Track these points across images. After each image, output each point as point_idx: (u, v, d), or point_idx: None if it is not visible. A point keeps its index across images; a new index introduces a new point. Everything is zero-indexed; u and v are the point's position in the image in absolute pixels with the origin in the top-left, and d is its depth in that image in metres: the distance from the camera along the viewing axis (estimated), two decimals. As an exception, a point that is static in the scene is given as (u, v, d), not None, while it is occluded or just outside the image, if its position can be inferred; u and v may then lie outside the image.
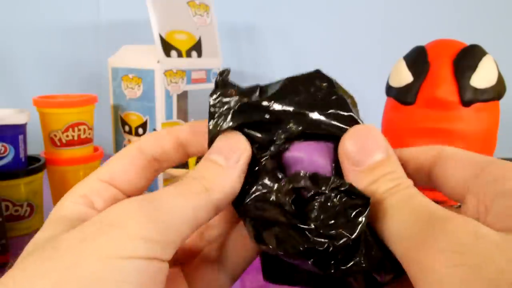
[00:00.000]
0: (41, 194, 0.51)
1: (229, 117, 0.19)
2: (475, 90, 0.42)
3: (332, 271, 0.16)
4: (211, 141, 0.19)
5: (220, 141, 0.18)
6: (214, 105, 0.19)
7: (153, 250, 0.15)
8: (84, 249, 0.14)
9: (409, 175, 0.18)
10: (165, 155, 0.20)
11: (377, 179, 0.17)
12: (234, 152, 0.18)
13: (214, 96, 0.19)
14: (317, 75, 0.20)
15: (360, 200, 0.16)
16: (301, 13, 0.84)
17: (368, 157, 0.17)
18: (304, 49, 0.85)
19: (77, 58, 0.83)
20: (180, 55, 0.58)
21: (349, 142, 0.17)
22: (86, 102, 0.54)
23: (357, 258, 0.16)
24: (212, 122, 0.19)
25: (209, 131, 0.19)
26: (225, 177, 0.18)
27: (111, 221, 0.15)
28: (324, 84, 0.19)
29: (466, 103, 0.42)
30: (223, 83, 0.20)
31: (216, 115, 0.19)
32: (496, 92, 0.43)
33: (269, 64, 0.86)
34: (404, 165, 0.18)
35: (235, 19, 0.83)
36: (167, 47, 0.57)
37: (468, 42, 0.45)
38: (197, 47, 0.61)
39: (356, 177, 0.17)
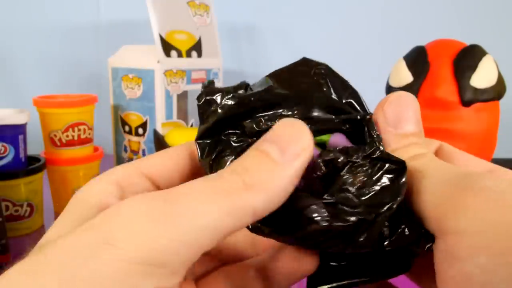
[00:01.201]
0: (41, 194, 0.51)
1: (219, 110, 0.17)
2: (475, 90, 0.42)
3: (386, 242, 0.15)
4: (204, 148, 0.17)
5: (279, 127, 0.15)
6: (201, 107, 0.18)
7: (153, 278, 0.12)
8: (71, 270, 0.12)
9: None
10: None
11: (409, 145, 0.17)
12: (294, 143, 0.14)
13: (201, 99, 0.18)
14: (305, 63, 0.19)
15: (394, 164, 0.15)
16: (301, 13, 0.84)
17: (405, 125, 0.17)
18: (304, 49, 0.85)
19: (77, 58, 0.83)
20: (180, 55, 0.58)
21: (390, 107, 0.17)
22: (86, 102, 0.54)
23: (402, 227, 0.15)
24: (201, 126, 0.18)
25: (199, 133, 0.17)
26: (277, 175, 0.13)
27: (107, 236, 0.12)
28: (322, 71, 0.19)
29: (466, 103, 0.42)
30: (208, 88, 0.18)
31: (205, 115, 0.18)
32: (496, 92, 0.43)
33: (269, 64, 0.85)
34: None
35: (235, 19, 0.83)
36: (167, 47, 0.57)
37: (468, 42, 0.45)
38: (197, 47, 0.61)
39: (390, 138, 0.17)
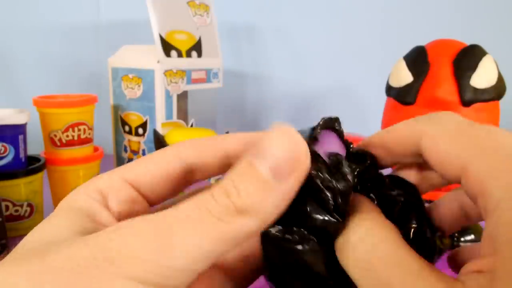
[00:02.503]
0: (41, 194, 0.51)
1: None
2: (475, 90, 0.42)
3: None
4: None
5: (269, 138, 0.13)
6: None
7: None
8: (74, 283, 0.12)
9: (395, 153, 0.18)
10: (204, 167, 0.18)
11: None
12: (288, 159, 0.13)
13: None
14: None
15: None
16: (301, 13, 0.84)
17: None
18: (304, 49, 0.85)
19: (77, 58, 0.83)
20: (180, 55, 0.58)
21: None
22: (86, 102, 0.54)
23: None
24: None
25: None
26: (270, 196, 0.13)
27: (107, 256, 0.12)
28: None
29: (466, 103, 0.42)
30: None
31: None
32: (496, 92, 0.43)
33: (269, 64, 0.86)
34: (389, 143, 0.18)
35: (235, 19, 0.83)
36: (167, 47, 0.57)
37: (468, 42, 0.45)
38: (197, 47, 0.61)
39: None
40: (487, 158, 0.13)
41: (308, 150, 0.13)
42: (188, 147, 0.18)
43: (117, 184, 0.17)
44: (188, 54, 0.60)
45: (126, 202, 0.17)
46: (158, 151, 0.18)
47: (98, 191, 0.17)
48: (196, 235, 0.12)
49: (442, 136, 0.15)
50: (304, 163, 0.13)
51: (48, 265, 0.13)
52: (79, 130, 0.54)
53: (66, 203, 0.17)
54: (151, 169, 0.17)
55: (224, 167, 0.18)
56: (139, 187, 0.17)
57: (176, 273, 0.12)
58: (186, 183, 0.18)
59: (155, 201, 0.18)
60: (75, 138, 0.53)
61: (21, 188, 0.48)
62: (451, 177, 0.15)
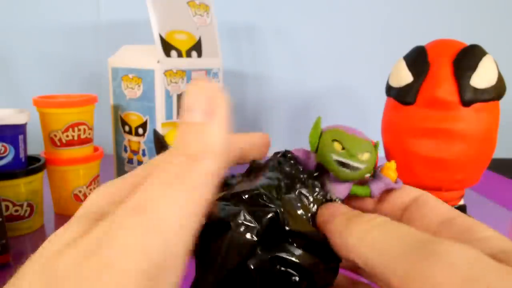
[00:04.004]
0: (41, 194, 0.51)
1: None
2: (475, 90, 0.42)
3: None
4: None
5: (188, 95, 0.15)
6: None
7: (155, 278, 0.13)
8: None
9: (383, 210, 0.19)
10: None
11: None
12: (208, 100, 0.15)
13: None
14: None
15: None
16: (301, 13, 0.84)
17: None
18: (304, 49, 0.85)
19: (77, 58, 0.83)
20: (180, 55, 0.58)
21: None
22: (86, 102, 0.54)
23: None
24: None
25: None
26: (210, 133, 0.15)
27: (107, 262, 0.12)
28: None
29: (466, 103, 0.42)
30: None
31: None
32: (496, 92, 0.43)
33: (269, 64, 0.86)
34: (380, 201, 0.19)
35: (235, 19, 0.83)
36: (167, 47, 0.57)
37: (468, 42, 0.45)
38: (197, 47, 0.61)
39: None
40: None
41: (217, 87, 0.15)
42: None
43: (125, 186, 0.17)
44: (188, 54, 0.60)
45: None
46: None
47: (111, 194, 0.17)
48: (172, 209, 0.13)
49: None
50: (220, 96, 0.15)
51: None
52: (79, 130, 0.54)
53: (84, 210, 0.16)
54: None
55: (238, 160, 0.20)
56: None
57: (172, 251, 0.13)
58: None
59: None
60: (75, 138, 0.53)
61: (21, 188, 0.48)
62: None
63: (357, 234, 0.15)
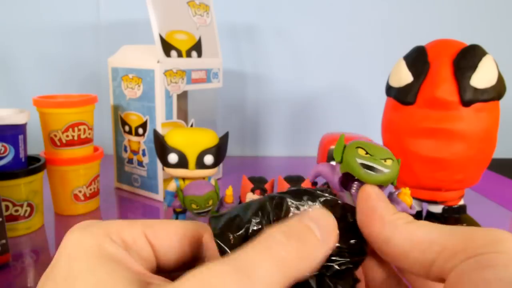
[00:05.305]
0: (41, 194, 0.51)
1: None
2: (475, 90, 0.42)
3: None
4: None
5: (316, 212, 0.17)
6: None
7: None
8: None
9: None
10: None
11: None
12: (329, 227, 0.17)
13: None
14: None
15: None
16: (301, 13, 0.84)
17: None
18: (304, 49, 0.85)
19: (77, 58, 0.83)
20: (180, 55, 0.58)
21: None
22: (86, 102, 0.54)
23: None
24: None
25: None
26: (320, 250, 0.16)
27: None
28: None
29: (466, 103, 0.42)
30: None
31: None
32: (496, 92, 0.43)
33: (269, 64, 0.86)
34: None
35: (235, 19, 0.83)
36: (167, 47, 0.57)
37: (468, 42, 0.45)
38: (197, 47, 0.61)
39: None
40: None
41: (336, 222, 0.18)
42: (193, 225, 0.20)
43: (141, 241, 0.18)
44: (188, 54, 0.60)
45: (145, 260, 0.18)
46: (179, 221, 0.19)
47: (123, 241, 0.17)
48: (272, 277, 0.15)
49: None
50: (335, 233, 0.17)
51: None
52: (79, 130, 0.54)
53: (96, 248, 0.16)
54: (172, 237, 0.19)
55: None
56: (156, 249, 0.18)
57: None
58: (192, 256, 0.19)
59: (163, 264, 0.19)
60: (75, 138, 0.53)
61: (21, 188, 0.48)
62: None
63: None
